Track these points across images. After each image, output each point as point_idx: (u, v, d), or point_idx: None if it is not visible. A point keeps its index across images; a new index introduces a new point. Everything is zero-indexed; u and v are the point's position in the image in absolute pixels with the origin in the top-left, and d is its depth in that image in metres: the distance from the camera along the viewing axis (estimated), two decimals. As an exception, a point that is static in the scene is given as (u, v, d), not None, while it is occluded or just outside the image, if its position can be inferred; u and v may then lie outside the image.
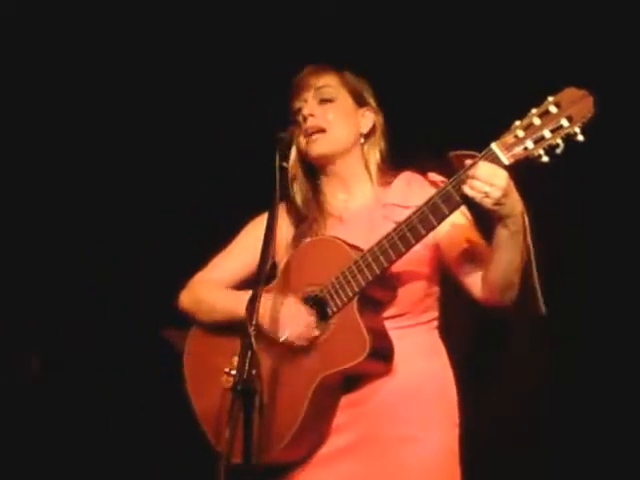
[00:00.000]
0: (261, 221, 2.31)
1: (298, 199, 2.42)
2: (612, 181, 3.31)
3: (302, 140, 2.36)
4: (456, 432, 2.29)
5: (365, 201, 2.37)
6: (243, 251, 2.45)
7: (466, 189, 1.97)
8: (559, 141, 1.92)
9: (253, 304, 1.95)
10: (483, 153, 1.98)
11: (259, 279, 2.00)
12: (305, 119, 2.35)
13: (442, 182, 2.17)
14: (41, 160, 3.75)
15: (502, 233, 2.01)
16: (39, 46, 3.66)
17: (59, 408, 3.74)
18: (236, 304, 2.23)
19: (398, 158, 2.44)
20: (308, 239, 2.31)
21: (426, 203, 2.06)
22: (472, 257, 2.19)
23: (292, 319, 2.19)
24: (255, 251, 2.22)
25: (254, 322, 1.92)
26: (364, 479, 2.18)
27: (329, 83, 2.38)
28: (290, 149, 2.34)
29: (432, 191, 2.13)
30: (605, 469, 3.31)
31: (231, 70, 3.66)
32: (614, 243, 3.34)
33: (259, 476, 1.99)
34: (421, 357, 2.26)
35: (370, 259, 2.13)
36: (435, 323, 2.32)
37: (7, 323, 3.63)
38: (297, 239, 2.36)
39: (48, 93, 3.71)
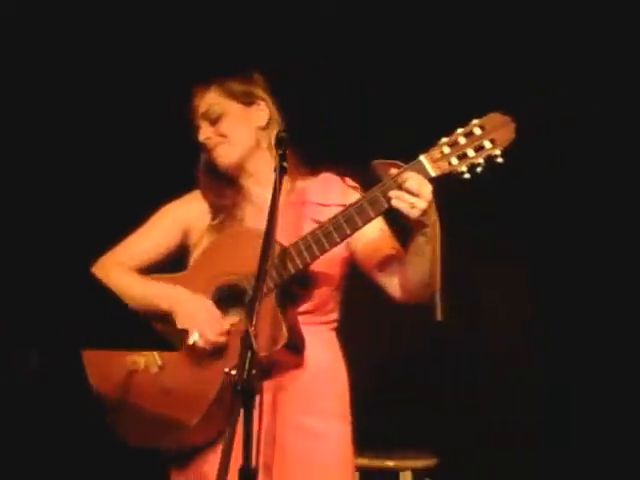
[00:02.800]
0: (175, 206, 2.48)
1: (210, 194, 2.47)
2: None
3: (209, 159, 2.43)
4: (349, 427, 2.36)
5: (285, 196, 2.40)
6: (156, 235, 2.47)
7: (394, 200, 2.08)
8: (481, 160, 2.07)
9: (253, 304, 1.95)
10: (411, 164, 2.10)
11: (259, 279, 2.00)
12: (205, 145, 2.42)
13: (357, 188, 2.36)
14: (41, 160, 3.75)
15: (420, 240, 2.15)
16: (39, 46, 3.66)
17: (58, 407, 3.74)
18: (152, 296, 2.32)
19: (316, 161, 2.49)
20: (230, 229, 2.38)
21: (353, 204, 2.16)
22: (390, 261, 2.30)
23: (198, 316, 2.25)
24: (167, 236, 2.43)
25: (254, 322, 1.92)
26: (270, 465, 2.21)
27: (212, 102, 2.43)
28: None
29: (350, 194, 2.32)
30: (604, 469, 3.32)
31: (231, 70, 3.66)
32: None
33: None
34: (323, 352, 2.33)
35: (293, 253, 2.20)
36: (335, 325, 2.40)
37: (6, 321, 3.62)
38: (215, 226, 2.41)
39: (48, 93, 3.71)
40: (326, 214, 2.25)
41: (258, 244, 2.18)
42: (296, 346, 2.25)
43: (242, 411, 1.83)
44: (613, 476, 3.33)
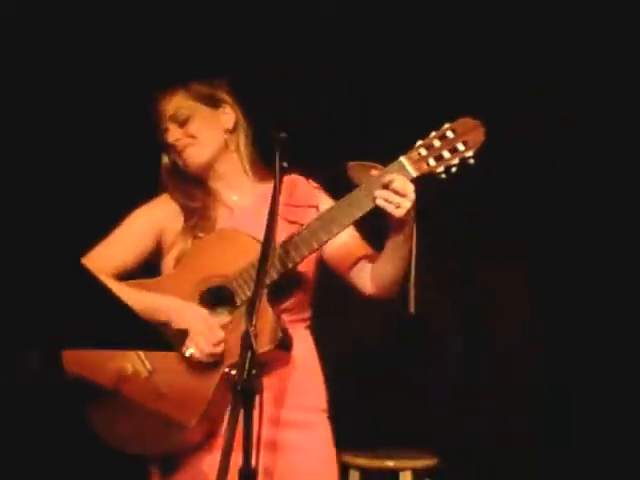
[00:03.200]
0: (146, 210, 2.48)
1: (179, 197, 2.47)
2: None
3: (178, 161, 2.45)
4: (329, 422, 2.39)
5: (250, 198, 2.46)
6: (128, 240, 2.47)
7: (379, 200, 2.16)
8: (456, 161, 2.18)
9: (253, 304, 1.95)
10: (393, 165, 2.20)
11: (259, 279, 2.01)
12: (173, 146, 2.44)
13: (320, 188, 2.46)
14: (41, 160, 3.75)
15: (399, 238, 2.23)
16: (39, 46, 3.66)
17: (58, 407, 3.74)
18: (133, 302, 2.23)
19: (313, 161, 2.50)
20: (210, 231, 2.39)
21: (340, 204, 2.24)
22: (361, 261, 2.39)
23: (195, 328, 2.26)
24: (140, 240, 2.44)
25: (254, 322, 1.92)
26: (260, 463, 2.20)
27: (179, 105, 2.45)
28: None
29: (316, 194, 2.43)
30: (604, 469, 3.32)
31: (231, 70, 3.66)
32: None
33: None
34: (302, 350, 2.37)
35: (282, 254, 2.25)
36: (309, 322, 2.44)
37: (6, 321, 3.62)
38: (189, 229, 2.42)
39: (48, 93, 3.71)
40: (298, 214, 2.36)
41: (240, 245, 2.28)
42: (286, 344, 2.28)
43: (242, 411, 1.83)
44: (613, 476, 3.33)
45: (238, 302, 2.28)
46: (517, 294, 3.77)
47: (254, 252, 2.18)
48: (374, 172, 2.20)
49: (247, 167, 2.48)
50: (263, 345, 2.17)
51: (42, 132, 3.71)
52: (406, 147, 2.19)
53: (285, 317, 2.34)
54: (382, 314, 3.53)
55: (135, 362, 2.33)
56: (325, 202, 2.43)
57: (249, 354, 1.86)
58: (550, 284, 3.65)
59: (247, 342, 1.88)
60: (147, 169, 2.57)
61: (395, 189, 2.15)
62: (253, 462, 1.87)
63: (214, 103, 2.49)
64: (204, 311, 2.30)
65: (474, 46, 3.52)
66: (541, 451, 3.54)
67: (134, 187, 2.59)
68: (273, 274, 2.24)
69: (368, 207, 2.19)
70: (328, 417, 2.39)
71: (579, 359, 3.47)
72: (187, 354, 2.25)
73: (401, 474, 3.47)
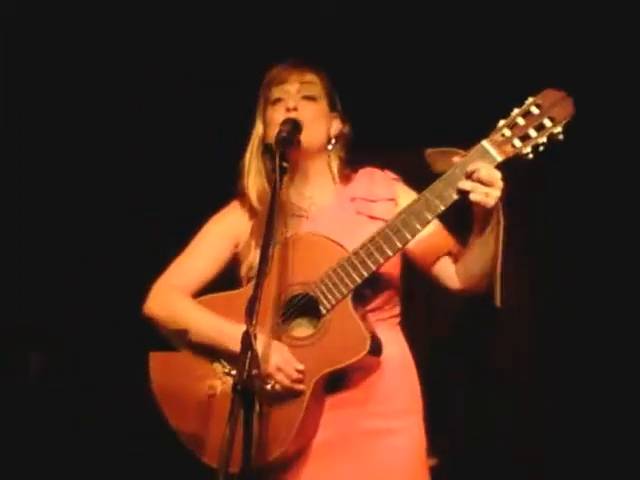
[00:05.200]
0: (219, 219, 2.43)
1: (252, 194, 2.40)
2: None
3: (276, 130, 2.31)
4: (422, 421, 2.35)
5: (330, 199, 2.39)
6: (207, 252, 2.43)
7: (469, 193, 2.01)
8: (544, 140, 2.00)
9: (253, 305, 1.94)
10: (474, 150, 2.03)
11: (259, 279, 2.00)
12: (288, 110, 2.33)
13: (398, 179, 2.34)
14: (41, 160, 3.75)
15: (487, 229, 2.10)
16: (39, 46, 3.66)
17: (58, 408, 3.74)
18: (217, 334, 2.25)
19: (353, 154, 2.48)
20: (288, 236, 2.29)
21: (417, 200, 2.11)
22: (445, 255, 2.27)
23: (272, 362, 2.17)
24: (218, 251, 2.37)
25: (254, 322, 1.91)
26: (348, 475, 2.21)
27: (313, 80, 2.38)
28: (290, 149, 2.29)
29: (394, 186, 2.30)
30: (605, 469, 3.32)
31: (230, 70, 3.66)
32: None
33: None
34: (396, 349, 2.31)
35: (364, 255, 2.14)
36: (399, 319, 2.38)
37: (6, 323, 3.63)
38: (257, 235, 2.32)
39: (48, 93, 3.71)
40: (374, 209, 2.26)
41: (323, 251, 2.19)
42: (377, 349, 2.21)
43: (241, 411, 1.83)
44: (613, 476, 3.33)
45: (323, 311, 2.19)
46: (518, 294, 3.75)
47: (337, 258, 2.15)
48: (455, 159, 2.04)
49: (335, 173, 2.41)
50: (351, 355, 2.13)
51: (49, 131, 3.73)
52: (405, 146, 2.13)
53: (374, 316, 2.27)
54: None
55: (225, 380, 2.27)
56: (404, 194, 2.33)
57: (249, 354, 1.86)
58: (552, 283, 3.63)
59: (247, 342, 1.88)
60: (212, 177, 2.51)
61: (481, 179, 2.00)
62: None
63: (333, 105, 2.42)
64: (284, 347, 2.20)
65: (473, 46, 3.51)
66: (542, 451, 3.53)
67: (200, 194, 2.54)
68: (356, 278, 2.14)
69: (451, 200, 2.05)
70: (422, 416, 2.32)
71: (582, 359, 3.46)
72: (269, 388, 2.18)
73: (401, 474, 3.45)
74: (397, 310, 2.37)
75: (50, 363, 3.79)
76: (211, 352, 2.27)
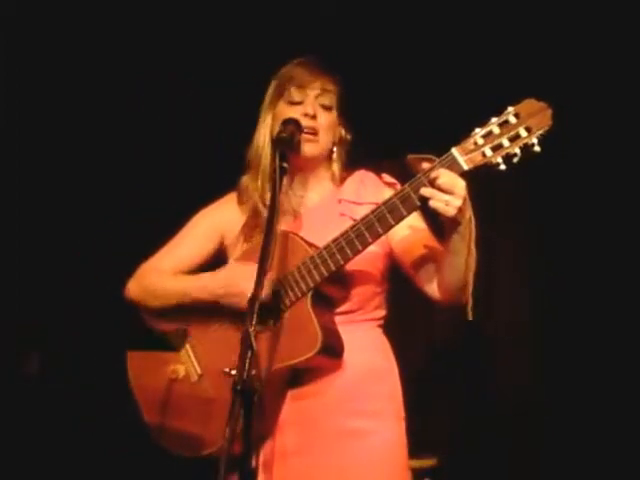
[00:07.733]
0: (211, 210, 2.46)
1: (251, 189, 2.41)
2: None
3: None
4: (403, 425, 2.29)
5: (321, 198, 2.40)
6: (191, 242, 2.46)
7: (429, 200, 2.00)
8: (517, 150, 1.96)
9: (253, 305, 1.94)
10: (443, 157, 2.01)
11: (259, 279, 2.00)
12: (306, 116, 2.33)
13: (395, 184, 2.28)
14: (41, 160, 3.75)
15: (455, 238, 2.06)
16: (39, 46, 3.66)
17: (58, 408, 3.74)
18: (195, 282, 2.30)
19: (353, 157, 2.48)
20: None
21: (385, 203, 2.10)
22: (429, 261, 2.23)
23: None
24: (203, 241, 2.41)
25: (254, 322, 1.92)
26: (314, 476, 2.19)
27: (332, 89, 2.38)
28: (291, 149, 2.28)
29: (386, 191, 2.25)
30: (604, 469, 3.32)
31: (231, 70, 3.66)
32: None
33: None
34: (369, 352, 2.29)
35: (326, 255, 2.15)
36: (382, 322, 2.36)
37: (6, 322, 3.63)
38: (247, 230, 2.37)
39: (48, 93, 3.71)
40: (359, 212, 2.22)
41: (293, 248, 2.20)
42: (333, 350, 2.20)
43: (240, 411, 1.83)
44: (613, 476, 3.33)
45: (282, 307, 2.20)
46: (516, 291, 3.75)
47: (304, 256, 2.17)
48: (425, 165, 2.02)
49: (336, 174, 2.41)
50: (302, 352, 2.13)
51: (49, 132, 3.73)
52: (405, 146, 2.12)
53: (348, 318, 2.25)
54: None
55: (188, 365, 2.32)
56: None
57: (249, 354, 1.86)
58: (550, 281, 3.63)
59: (247, 342, 1.88)
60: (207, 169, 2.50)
61: (441, 186, 1.98)
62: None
63: (342, 111, 2.41)
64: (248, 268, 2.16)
65: (473, 46, 3.51)
66: (542, 451, 3.53)
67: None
68: (316, 277, 2.15)
69: (415, 205, 2.04)
70: (404, 422, 2.27)
71: (579, 359, 3.46)
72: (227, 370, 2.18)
73: (401, 474, 3.46)
74: (379, 313, 2.34)
75: (50, 363, 3.79)
76: (206, 307, 2.28)
